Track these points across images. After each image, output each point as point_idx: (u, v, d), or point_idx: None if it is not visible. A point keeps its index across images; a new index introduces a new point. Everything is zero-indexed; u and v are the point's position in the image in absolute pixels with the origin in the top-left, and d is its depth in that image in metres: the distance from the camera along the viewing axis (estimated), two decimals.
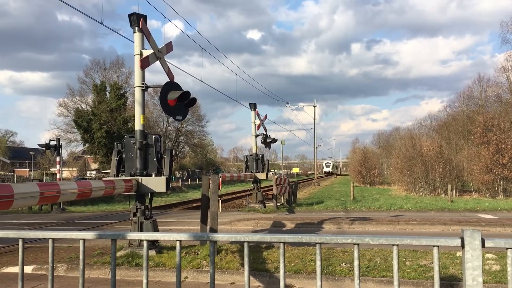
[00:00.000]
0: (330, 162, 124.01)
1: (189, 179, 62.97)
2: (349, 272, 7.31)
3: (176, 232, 3.34)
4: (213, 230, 9.22)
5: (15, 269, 8.46)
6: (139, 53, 9.23)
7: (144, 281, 3.13)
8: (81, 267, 3.22)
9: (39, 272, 8.32)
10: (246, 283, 3.07)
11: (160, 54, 9.49)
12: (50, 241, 3.30)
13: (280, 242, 3.05)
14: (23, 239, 3.34)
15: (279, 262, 8.60)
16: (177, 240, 3.14)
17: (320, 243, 2.99)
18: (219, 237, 3.25)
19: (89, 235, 3.32)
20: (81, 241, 3.26)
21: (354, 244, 2.95)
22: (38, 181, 27.50)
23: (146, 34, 9.26)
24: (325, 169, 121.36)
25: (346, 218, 14.78)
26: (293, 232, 13.06)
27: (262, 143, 23.20)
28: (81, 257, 3.23)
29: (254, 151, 21.40)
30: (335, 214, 16.57)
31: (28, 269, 8.39)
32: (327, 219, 14.53)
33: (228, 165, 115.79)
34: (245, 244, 3.09)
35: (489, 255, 8.07)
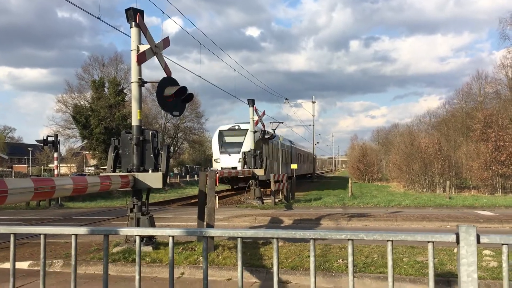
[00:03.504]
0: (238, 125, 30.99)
1: (188, 175, 63.00)
2: (346, 268, 7.29)
3: (169, 228, 3.31)
4: (210, 226, 9.19)
5: None
6: (135, 48, 9.17)
7: (137, 277, 3.10)
8: (73, 262, 3.19)
9: (35, 268, 8.28)
10: (239, 279, 3.04)
11: (157, 49, 9.43)
12: (41, 236, 3.27)
13: (274, 238, 3.02)
14: (15, 234, 3.31)
15: None
16: (169, 236, 3.11)
17: (315, 239, 2.96)
18: (212, 232, 3.22)
19: (81, 230, 3.29)
20: (73, 237, 3.22)
21: (348, 239, 2.92)
22: (35, 177, 27.43)
23: (142, 29, 9.20)
24: (222, 161, 29.56)
25: (344, 215, 14.76)
26: (291, 229, 13.05)
27: (261, 139, 23.17)
28: (73, 252, 3.19)
29: (252, 147, 21.37)
30: (333, 211, 16.55)
31: (24, 265, 8.38)
32: (325, 216, 14.51)
33: None
34: (239, 240, 3.06)
35: (487, 252, 8.05)
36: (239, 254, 3.04)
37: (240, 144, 28.55)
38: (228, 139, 29.97)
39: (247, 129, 25.42)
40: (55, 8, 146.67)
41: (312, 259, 2.94)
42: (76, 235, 3.24)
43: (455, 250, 8.22)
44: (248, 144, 25.15)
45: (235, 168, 24.44)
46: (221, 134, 30.49)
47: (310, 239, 2.95)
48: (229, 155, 28.88)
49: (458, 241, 2.65)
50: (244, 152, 21.98)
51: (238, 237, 3.03)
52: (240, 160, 24.06)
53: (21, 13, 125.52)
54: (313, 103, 56.17)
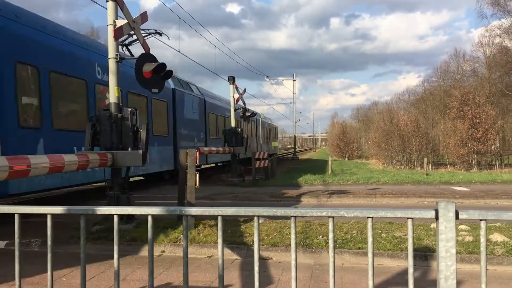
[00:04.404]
0: None
1: None
2: (326, 244, 7.38)
3: (148, 206, 3.26)
4: (191, 204, 9.16)
5: None
6: (112, 23, 8.91)
7: (115, 256, 3.06)
8: (49, 242, 3.13)
9: (12, 248, 8.15)
10: (220, 257, 3.02)
11: (134, 24, 9.19)
12: (16, 216, 3.19)
13: (254, 216, 3.00)
14: None
15: None
16: (148, 215, 3.06)
17: (295, 216, 2.95)
18: (192, 211, 3.18)
19: (57, 209, 3.21)
20: (48, 216, 3.15)
21: (329, 217, 2.91)
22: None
23: (119, 3, 8.93)
24: None
25: (324, 192, 14.90)
26: (272, 206, 13.14)
27: (241, 117, 23.10)
28: (48, 232, 3.13)
29: (233, 125, 21.27)
30: (313, 188, 16.70)
31: (1, 244, 8.25)
32: (306, 193, 14.63)
33: None
34: (219, 218, 3.03)
35: (463, 226, 8.23)
36: (220, 232, 3.01)
37: None
38: None
39: None
40: None
41: (293, 236, 2.93)
42: (51, 214, 3.16)
43: (432, 226, 8.39)
44: None
45: None
46: None
47: (291, 216, 2.94)
48: None
49: (437, 217, 2.67)
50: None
51: (218, 215, 3.00)
52: None
53: None
54: (294, 80, 56.02)
